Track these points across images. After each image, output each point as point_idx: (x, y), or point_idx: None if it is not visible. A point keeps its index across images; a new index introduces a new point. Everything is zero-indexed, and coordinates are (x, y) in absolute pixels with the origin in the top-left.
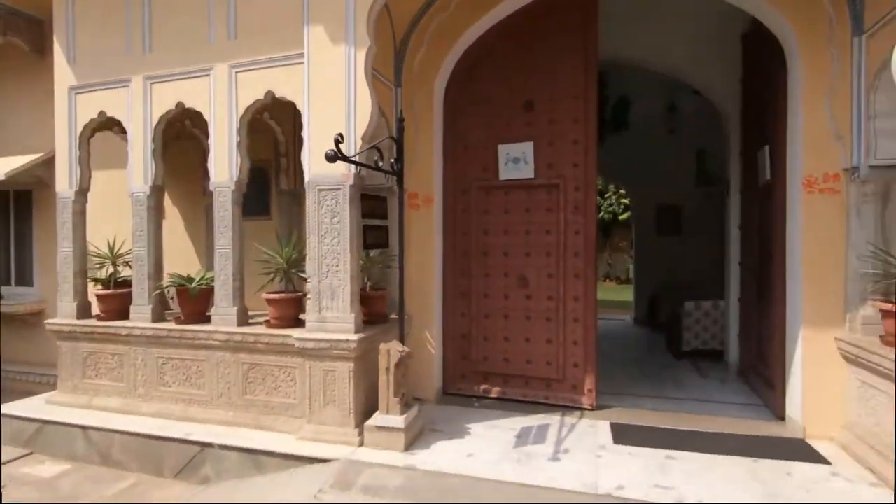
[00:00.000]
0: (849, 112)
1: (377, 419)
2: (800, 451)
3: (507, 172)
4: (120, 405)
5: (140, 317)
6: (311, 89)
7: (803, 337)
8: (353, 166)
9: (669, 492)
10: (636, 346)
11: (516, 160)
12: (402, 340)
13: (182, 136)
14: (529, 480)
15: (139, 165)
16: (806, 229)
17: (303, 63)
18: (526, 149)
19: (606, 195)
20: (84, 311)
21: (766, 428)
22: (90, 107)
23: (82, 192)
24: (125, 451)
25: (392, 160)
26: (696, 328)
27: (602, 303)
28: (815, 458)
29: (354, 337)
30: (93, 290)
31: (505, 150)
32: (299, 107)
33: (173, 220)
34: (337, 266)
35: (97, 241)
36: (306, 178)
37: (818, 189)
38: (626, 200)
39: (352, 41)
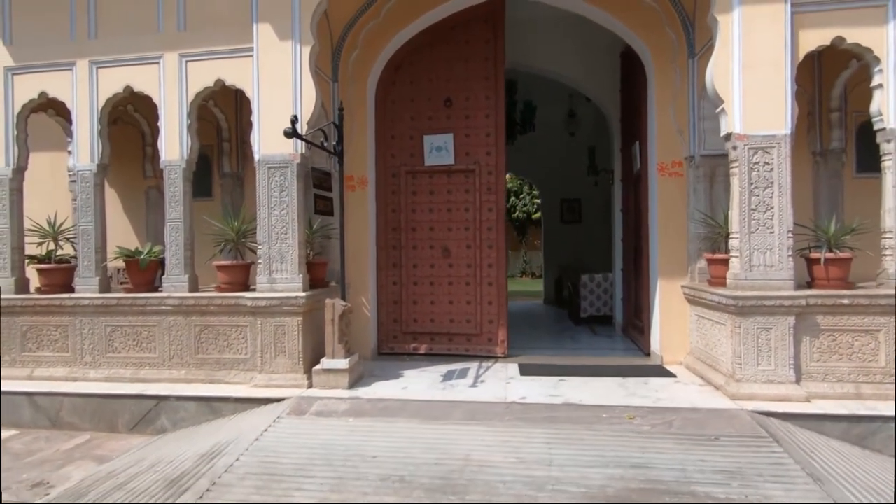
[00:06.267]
0: (687, 114)
1: (324, 363)
2: (656, 371)
3: (431, 159)
4: (66, 373)
5: (86, 288)
6: (260, 80)
7: (660, 288)
8: (299, 147)
9: (558, 398)
10: (544, 318)
11: (439, 148)
12: (343, 299)
13: (120, 120)
14: (453, 398)
15: (85, 144)
16: (659, 204)
17: (251, 56)
18: (447, 139)
19: (521, 195)
20: (22, 286)
21: (635, 360)
22: (30, 88)
23: (19, 171)
24: (76, 413)
25: (334, 143)
26: (591, 297)
27: (518, 293)
28: (665, 374)
29: (303, 294)
30: (30, 267)
31: (430, 140)
32: (248, 95)
33: (111, 202)
34: (286, 234)
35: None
36: (256, 158)
37: (668, 173)
38: (538, 200)
39: (297, 39)
